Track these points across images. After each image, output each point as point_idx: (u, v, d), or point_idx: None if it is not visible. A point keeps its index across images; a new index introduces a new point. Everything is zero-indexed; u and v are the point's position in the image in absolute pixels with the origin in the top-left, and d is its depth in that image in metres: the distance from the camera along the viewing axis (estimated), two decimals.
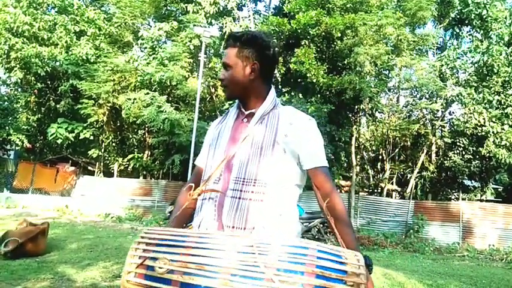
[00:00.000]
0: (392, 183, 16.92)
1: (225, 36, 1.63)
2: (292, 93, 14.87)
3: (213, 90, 17.49)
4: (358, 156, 16.86)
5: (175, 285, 1.09)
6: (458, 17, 16.35)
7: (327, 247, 1.12)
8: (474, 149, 15.16)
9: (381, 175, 17.46)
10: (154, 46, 16.04)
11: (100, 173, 17.89)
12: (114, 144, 18.31)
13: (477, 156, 15.29)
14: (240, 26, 17.05)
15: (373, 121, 17.03)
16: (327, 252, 1.10)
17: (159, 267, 1.11)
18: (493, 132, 13.54)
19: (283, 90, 15.79)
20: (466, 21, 16.04)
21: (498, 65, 13.47)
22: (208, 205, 1.46)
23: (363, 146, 17.79)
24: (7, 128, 17.44)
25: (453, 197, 17.06)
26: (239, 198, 1.39)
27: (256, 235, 1.28)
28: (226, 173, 1.46)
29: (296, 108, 1.61)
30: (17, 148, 19.70)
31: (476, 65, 14.49)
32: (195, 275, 1.08)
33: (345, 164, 16.62)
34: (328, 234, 9.49)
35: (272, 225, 1.38)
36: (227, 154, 1.46)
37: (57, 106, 17.29)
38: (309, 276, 1.05)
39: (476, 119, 13.87)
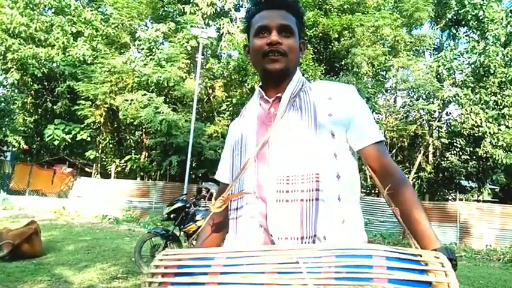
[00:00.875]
0: None
1: None
2: None
3: (210, 91, 17.48)
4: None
5: None
6: (454, 18, 16.41)
7: (397, 251, 0.84)
8: (471, 149, 15.21)
9: None
10: (151, 47, 16.02)
11: (97, 174, 17.84)
12: (111, 145, 18.26)
13: (474, 157, 15.33)
14: (238, 27, 17.06)
15: None
16: (399, 259, 0.82)
17: None
18: (489, 132, 13.59)
19: None
20: (463, 22, 16.11)
21: (495, 65, 13.52)
22: (246, 220, 1.15)
23: None
24: (4, 129, 17.37)
25: (450, 198, 17.10)
26: (286, 200, 1.09)
27: (301, 246, 0.99)
28: (261, 176, 1.16)
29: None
30: (13, 149, 19.60)
31: (472, 65, 14.54)
32: None
33: None
34: None
35: (334, 236, 1.07)
36: (254, 155, 1.17)
37: (54, 107, 17.24)
38: None
39: (473, 120, 13.91)
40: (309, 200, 1.08)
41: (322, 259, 0.84)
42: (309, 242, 1.06)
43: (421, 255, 0.84)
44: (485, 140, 13.71)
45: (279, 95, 1.22)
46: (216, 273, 0.89)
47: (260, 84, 1.31)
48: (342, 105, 1.18)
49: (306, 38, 13.88)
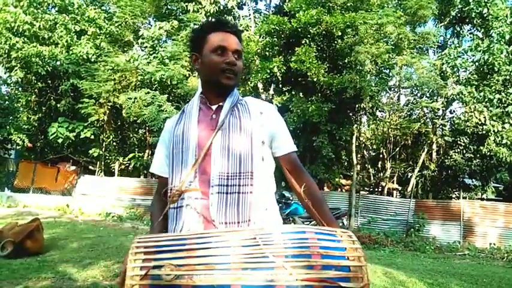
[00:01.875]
0: (393, 182, 16.92)
1: (227, 21, 1.53)
2: (293, 92, 14.86)
3: None
4: (359, 155, 16.86)
5: None
6: (459, 15, 16.31)
7: (321, 229, 1.19)
8: (475, 147, 15.14)
9: (381, 174, 17.46)
10: (154, 45, 16.03)
11: (101, 172, 17.90)
12: (114, 143, 18.32)
13: (478, 155, 15.27)
14: (241, 25, 17.04)
15: (373, 120, 17.01)
16: (324, 233, 1.16)
17: (166, 275, 1.05)
18: (493, 130, 13.53)
19: (284, 89, 15.79)
20: (467, 20, 16.02)
21: (499, 63, 13.44)
22: (187, 210, 1.37)
23: (363, 145, 17.79)
24: (8, 127, 17.43)
25: (454, 196, 17.04)
26: (226, 193, 1.34)
27: (254, 227, 1.27)
28: (203, 172, 1.39)
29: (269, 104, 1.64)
30: (17, 147, 19.68)
31: (477, 63, 14.46)
32: (205, 275, 1.05)
33: (346, 163, 16.64)
34: None
35: (260, 220, 1.36)
36: (200, 153, 1.39)
37: (58, 105, 17.29)
38: (316, 257, 1.09)
39: (477, 118, 13.85)
40: (244, 192, 1.35)
41: (272, 235, 1.13)
42: (244, 226, 1.33)
43: (336, 231, 1.18)
44: (489, 138, 13.65)
45: (221, 104, 1.47)
46: (193, 249, 1.10)
47: (201, 91, 1.53)
48: (270, 120, 1.49)
49: (306, 35, 13.87)
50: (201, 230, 1.33)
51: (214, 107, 1.48)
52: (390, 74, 16.03)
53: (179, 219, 1.38)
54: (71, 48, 16.54)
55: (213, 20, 1.54)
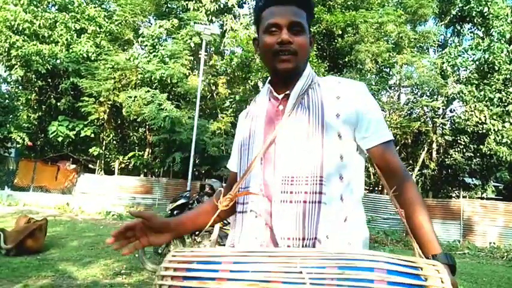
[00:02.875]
0: None
1: None
2: None
3: (213, 87, 17.47)
4: None
5: None
6: (459, 14, 16.30)
7: (398, 263, 0.85)
8: (475, 146, 15.14)
9: None
10: (154, 44, 16.03)
11: (101, 170, 17.91)
12: (114, 142, 18.32)
13: (478, 154, 15.27)
14: (241, 23, 17.03)
15: None
16: (399, 273, 0.83)
17: None
18: (494, 129, 13.52)
19: None
20: (467, 19, 16.00)
21: (499, 62, 13.44)
22: (251, 218, 1.16)
23: None
24: (8, 125, 17.43)
25: (454, 195, 17.05)
26: (290, 201, 1.10)
27: (305, 252, 0.96)
28: (267, 176, 1.16)
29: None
30: (17, 146, 19.69)
31: (477, 62, 14.46)
32: None
33: None
34: None
35: (337, 234, 1.10)
36: (261, 153, 1.16)
37: (58, 104, 17.29)
38: None
39: (477, 117, 13.84)
40: (312, 202, 1.08)
41: (326, 269, 0.85)
42: (309, 244, 1.07)
43: (422, 268, 0.84)
44: (490, 137, 13.65)
45: (288, 92, 1.20)
46: (223, 279, 0.90)
47: (269, 79, 1.29)
48: (350, 105, 1.16)
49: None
50: (265, 241, 1.13)
51: (280, 96, 1.22)
52: (390, 73, 16.03)
53: (242, 226, 1.19)
54: (71, 46, 16.54)
55: None
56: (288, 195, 1.10)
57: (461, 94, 13.99)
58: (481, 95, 13.89)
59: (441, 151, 16.77)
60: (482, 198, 17.78)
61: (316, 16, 13.17)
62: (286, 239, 1.08)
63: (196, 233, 5.69)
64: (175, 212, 5.73)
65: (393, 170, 1.17)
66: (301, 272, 0.85)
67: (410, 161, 16.77)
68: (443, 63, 14.65)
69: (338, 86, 1.21)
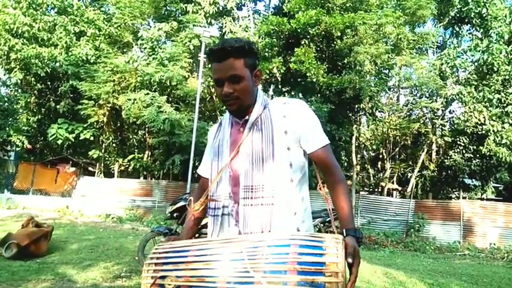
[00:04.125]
0: (392, 182, 16.91)
1: (217, 49, 1.50)
2: (292, 93, 14.87)
3: (212, 90, 17.47)
4: (359, 156, 16.86)
5: None
6: (458, 15, 16.33)
7: (308, 239, 1.21)
8: (474, 147, 15.15)
9: (381, 174, 17.47)
10: (154, 46, 16.02)
11: (100, 173, 17.89)
12: (114, 144, 18.31)
13: (477, 155, 15.28)
14: (240, 25, 17.05)
15: (373, 120, 17.02)
16: (309, 245, 1.18)
17: (168, 285, 1.25)
18: (493, 130, 13.54)
19: (283, 89, 15.79)
20: (466, 20, 16.04)
21: (498, 63, 13.46)
22: (222, 218, 1.50)
23: (363, 145, 17.80)
24: (7, 129, 17.44)
25: (454, 196, 17.05)
26: (250, 205, 1.43)
27: (249, 238, 1.31)
28: (233, 185, 1.49)
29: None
30: (17, 149, 19.70)
31: (476, 63, 14.48)
32: (198, 287, 1.22)
33: (346, 164, 16.63)
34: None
35: (287, 226, 1.43)
36: (227, 166, 1.50)
37: (57, 107, 17.29)
38: (292, 273, 1.14)
39: (476, 118, 13.85)
40: (267, 204, 1.42)
41: (258, 248, 1.21)
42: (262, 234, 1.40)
43: (325, 241, 1.19)
44: (489, 138, 13.66)
45: (247, 117, 1.52)
46: (190, 262, 1.26)
47: None
48: (294, 122, 1.48)
49: (305, 36, 13.88)
50: (235, 235, 1.46)
51: (241, 121, 1.54)
52: (389, 74, 16.05)
53: (219, 227, 1.51)
54: (70, 49, 16.54)
55: (211, 48, 1.53)
56: (248, 200, 1.44)
57: (460, 95, 14.00)
58: (480, 96, 13.91)
59: (441, 152, 16.78)
60: (482, 199, 17.79)
61: (315, 18, 13.21)
62: (249, 233, 1.41)
63: (196, 235, 5.70)
64: (175, 215, 5.73)
65: (330, 170, 1.51)
66: (241, 252, 1.21)
67: (410, 162, 16.78)
68: (442, 64, 14.67)
69: (284, 107, 1.53)
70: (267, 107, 1.53)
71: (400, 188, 17.28)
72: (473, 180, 17.30)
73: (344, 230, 1.35)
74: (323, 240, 1.19)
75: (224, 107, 1.56)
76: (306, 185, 1.55)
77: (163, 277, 1.27)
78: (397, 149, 16.72)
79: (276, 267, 1.16)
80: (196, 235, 1.83)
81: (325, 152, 1.51)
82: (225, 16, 17.32)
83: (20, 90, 19.90)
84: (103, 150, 17.70)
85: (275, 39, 14.59)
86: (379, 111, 17.05)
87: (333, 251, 1.16)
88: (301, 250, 1.17)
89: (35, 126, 19.49)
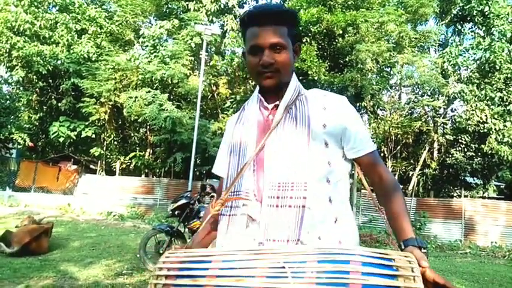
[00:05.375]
0: None
1: (259, 11, 1.28)
2: None
3: (214, 88, 17.48)
4: None
5: None
6: (460, 13, 16.29)
7: (372, 255, 0.93)
8: (476, 146, 15.12)
9: None
10: (155, 44, 16.03)
11: (102, 171, 17.92)
12: (116, 142, 18.33)
13: (479, 153, 15.25)
14: None
15: (374, 118, 16.99)
16: (373, 264, 0.91)
17: None
18: (495, 129, 13.51)
19: None
20: (468, 18, 15.98)
21: (500, 61, 13.42)
22: (240, 221, 1.23)
23: None
24: (9, 126, 17.44)
25: (455, 194, 17.03)
26: (276, 206, 1.18)
27: (288, 250, 1.02)
28: (256, 180, 1.24)
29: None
30: (19, 147, 19.71)
31: (478, 61, 14.44)
32: None
33: None
34: None
35: (328, 234, 1.18)
36: (253, 159, 1.24)
37: (59, 104, 17.31)
38: None
39: (478, 116, 13.82)
40: (297, 206, 1.16)
41: (306, 264, 0.93)
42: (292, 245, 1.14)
43: (394, 260, 0.92)
44: (491, 137, 13.63)
45: (277, 102, 1.29)
46: (213, 276, 0.98)
47: (259, 88, 1.36)
48: (336, 116, 1.27)
49: (307, 34, 13.87)
50: (252, 242, 1.20)
51: (270, 106, 1.31)
52: (391, 73, 16.01)
53: (233, 229, 1.25)
54: (71, 47, 16.55)
55: (248, 11, 1.32)
56: (274, 200, 1.18)
57: (462, 93, 13.98)
58: (482, 94, 13.88)
59: (442, 150, 16.75)
60: (483, 197, 17.75)
61: (316, 16, 13.19)
62: (272, 241, 1.16)
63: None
64: (176, 212, 5.73)
65: (381, 177, 1.28)
66: (283, 267, 0.93)
67: (412, 161, 16.76)
68: (444, 62, 14.64)
69: (324, 98, 1.32)
70: (303, 94, 1.32)
71: (401, 186, 17.21)
72: (475, 178, 17.28)
73: (403, 241, 1.12)
74: (392, 258, 0.93)
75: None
76: (345, 188, 1.29)
77: None
78: (399, 147, 16.70)
79: None
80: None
81: (373, 158, 1.30)
82: (226, 14, 17.31)
83: (21, 88, 19.92)
84: (104, 148, 17.72)
85: None
86: (380, 110, 17.02)
87: (409, 272, 0.90)
88: (366, 269, 0.90)
89: (37, 124, 19.52)
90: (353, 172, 14.12)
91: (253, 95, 1.39)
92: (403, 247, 1.10)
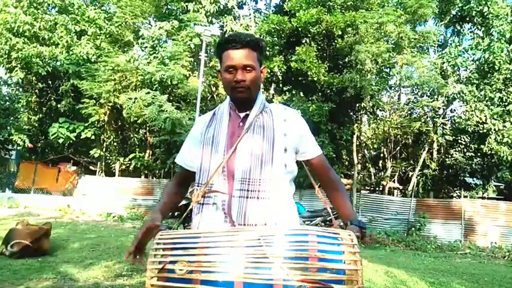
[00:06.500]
0: (393, 181, 16.90)
1: (235, 38, 1.58)
2: (293, 92, 14.86)
3: (214, 89, 17.48)
4: (360, 155, 16.84)
5: (196, 283, 1.21)
6: (459, 14, 16.30)
7: (324, 231, 1.28)
8: (476, 146, 15.12)
9: (382, 173, 17.45)
10: (155, 45, 16.03)
11: (101, 172, 17.91)
12: (115, 143, 18.31)
13: (479, 154, 15.25)
14: (241, 24, 17.04)
15: (374, 119, 17.01)
16: (326, 235, 1.26)
17: (179, 269, 1.23)
18: (494, 129, 13.50)
19: (284, 88, 15.79)
20: (467, 19, 15.99)
21: (499, 62, 13.42)
22: (212, 209, 1.51)
23: (364, 144, 17.77)
24: (8, 128, 17.46)
25: (455, 195, 17.02)
26: (247, 197, 1.46)
27: (261, 228, 1.36)
28: (228, 176, 1.52)
29: (285, 105, 1.75)
30: (18, 148, 19.71)
31: (477, 62, 14.45)
32: (212, 272, 1.20)
33: (346, 163, 16.61)
34: None
35: (283, 220, 1.49)
36: (226, 158, 1.51)
37: (58, 106, 17.30)
38: (313, 260, 1.19)
39: (477, 117, 13.82)
40: (263, 198, 1.47)
41: (275, 237, 1.23)
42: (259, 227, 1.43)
43: (339, 234, 1.27)
44: (490, 137, 13.63)
45: (248, 112, 1.58)
46: (203, 247, 1.26)
47: (230, 99, 1.65)
48: (294, 128, 1.60)
49: (306, 35, 13.87)
50: (220, 227, 1.46)
51: (242, 115, 1.60)
52: (391, 73, 16.02)
53: (205, 216, 1.52)
54: (71, 48, 16.54)
55: (225, 37, 1.62)
56: (244, 192, 1.47)
57: (461, 94, 13.98)
58: (481, 95, 13.88)
59: (442, 151, 16.75)
60: (483, 198, 17.75)
61: (316, 17, 13.19)
62: (243, 225, 1.44)
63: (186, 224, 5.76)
64: (175, 213, 5.72)
65: (328, 176, 1.67)
66: (259, 239, 1.23)
67: (411, 161, 16.76)
68: (443, 63, 14.64)
69: (284, 112, 1.64)
70: (268, 107, 1.62)
71: (401, 187, 17.26)
72: (475, 179, 17.28)
73: (349, 222, 1.50)
74: (337, 232, 1.28)
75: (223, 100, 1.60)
76: (293, 186, 1.64)
77: (172, 262, 1.25)
78: (398, 147, 16.70)
79: (297, 253, 1.19)
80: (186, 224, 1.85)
81: (322, 159, 1.68)
82: (225, 15, 17.32)
83: (21, 89, 19.92)
84: (104, 149, 17.71)
85: (276, 38, 14.58)
86: (380, 110, 17.03)
87: (349, 241, 1.25)
88: (320, 239, 1.23)
89: (36, 125, 19.50)
90: (353, 173, 14.10)
91: (223, 104, 1.67)
92: (349, 225, 1.48)
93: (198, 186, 1.56)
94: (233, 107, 1.63)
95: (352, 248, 1.23)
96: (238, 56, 1.53)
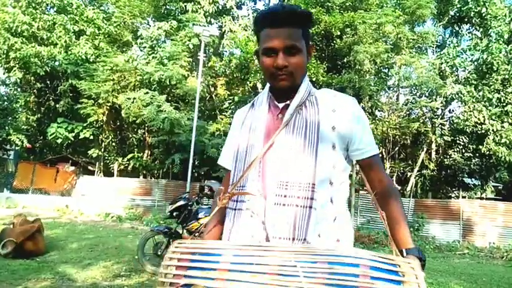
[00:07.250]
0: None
1: (274, 12, 1.27)
2: None
3: (212, 89, 17.48)
4: None
5: None
6: (457, 14, 16.33)
7: (379, 260, 0.97)
8: (474, 147, 15.15)
9: None
10: (153, 45, 16.03)
11: (100, 172, 17.88)
12: (114, 143, 18.30)
13: (477, 154, 15.28)
14: (240, 25, 17.04)
15: (372, 119, 16.99)
16: (380, 269, 0.95)
17: None
18: (492, 130, 13.54)
19: None
20: (466, 19, 16.03)
21: (498, 62, 13.46)
22: (245, 215, 1.25)
23: None
24: (7, 128, 17.41)
25: (453, 195, 17.05)
26: (283, 204, 1.20)
27: (300, 249, 1.04)
28: (263, 177, 1.26)
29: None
30: (16, 148, 19.67)
31: (475, 63, 14.48)
32: None
33: None
34: None
35: (327, 233, 1.22)
36: (260, 156, 1.25)
37: (57, 106, 17.28)
38: None
39: (476, 117, 13.85)
40: (303, 206, 1.18)
41: (317, 264, 0.95)
42: (297, 244, 1.17)
43: (399, 266, 0.96)
44: (488, 138, 13.66)
45: (288, 102, 1.30)
46: (224, 270, 0.99)
47: (269, 86, 1.37)
48: (345, 119, 1.28)
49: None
50: (259, 238, 1.22)
51: (281, 105, 1.31)
52: (389, 74, 16.04)
53: (238, 223, 1.27)
54: (69, 48, 16.52)
55: (263, 12, 1.33)
56: (282, 199, 1.20)
57: (460, 94, 14.00)
58: (479, 96, 13.91)
59: (440, 151, 16.78)
60: (481, 198, 17.78)
61: (314, 17, 13.18)
62: (278, 239, 1.18)
63: (196, 234, 5.71)
64: (174, 214, 5.72)
65: (381, 180, 1.32)
66: (295, 266, 0.95)
67: (410, 162, 16.78)
68: (441, 63, 14.67)
69: (334, 99, 1.32)
70: (314, 95, 1.31)
71: (399, 187, 17.25)
72: (473, 179, 17.31)
73: (404, 250, 1.17)
74: (397, 264, 0.97)
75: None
76: (346, 190, 1.33)
77: (187, 285, 1.00)
78: (397, 148, 16.71)
79: None
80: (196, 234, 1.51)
81: (376, 161, 1.33)
82: (224, 15, 17.32)
83: (19, 89, 19.89)
84: (102, 149, 17.69)
85: None
86: (378, 111, 17.04)
87: (413, 278, 0.94)
88: (374, 273, 0.93)
89: (35, 125, 19.47)
90: (351, 173, 14.16)
91: (263, 92, 1.40)
92: (405, 255, 1.14)
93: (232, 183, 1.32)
94: (272, 96, 1.35)
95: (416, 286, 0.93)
96: (278, 35, 1.24)
